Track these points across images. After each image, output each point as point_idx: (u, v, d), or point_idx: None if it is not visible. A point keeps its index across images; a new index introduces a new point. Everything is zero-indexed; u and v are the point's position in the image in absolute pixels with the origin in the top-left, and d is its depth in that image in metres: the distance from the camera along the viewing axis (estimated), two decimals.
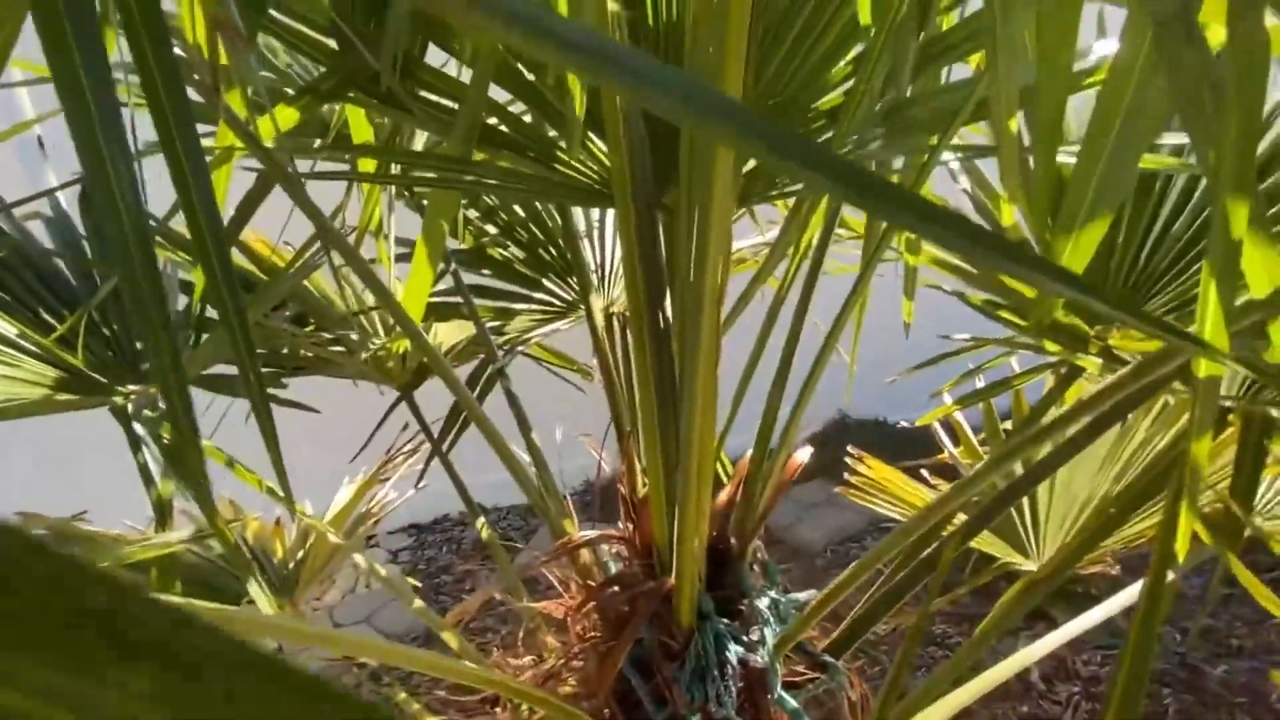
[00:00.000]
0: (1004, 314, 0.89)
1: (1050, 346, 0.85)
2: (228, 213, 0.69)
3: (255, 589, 0.88)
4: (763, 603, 0.75)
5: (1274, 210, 0.88)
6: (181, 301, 0.99)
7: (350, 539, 1.42)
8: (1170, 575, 0.61)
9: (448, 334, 1.46)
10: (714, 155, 0.40)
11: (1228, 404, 0.86)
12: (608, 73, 0.20)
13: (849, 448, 1.41)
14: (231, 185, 0.72)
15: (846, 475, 1.38)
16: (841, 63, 0.69)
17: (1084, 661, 2.30)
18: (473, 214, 1.26)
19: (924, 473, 1.40)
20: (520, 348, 1.22)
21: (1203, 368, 0.38)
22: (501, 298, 1.28)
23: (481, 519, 1.14)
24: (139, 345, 0.85)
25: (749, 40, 0.53)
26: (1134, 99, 0.38)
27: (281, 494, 0.94)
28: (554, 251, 1.24)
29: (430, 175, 0.63)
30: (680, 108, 0.20)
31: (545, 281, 1.25)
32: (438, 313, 1.22)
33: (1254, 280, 0.39)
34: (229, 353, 0.59)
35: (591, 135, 0.62)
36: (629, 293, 0.58)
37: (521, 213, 1.24)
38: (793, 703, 0.68)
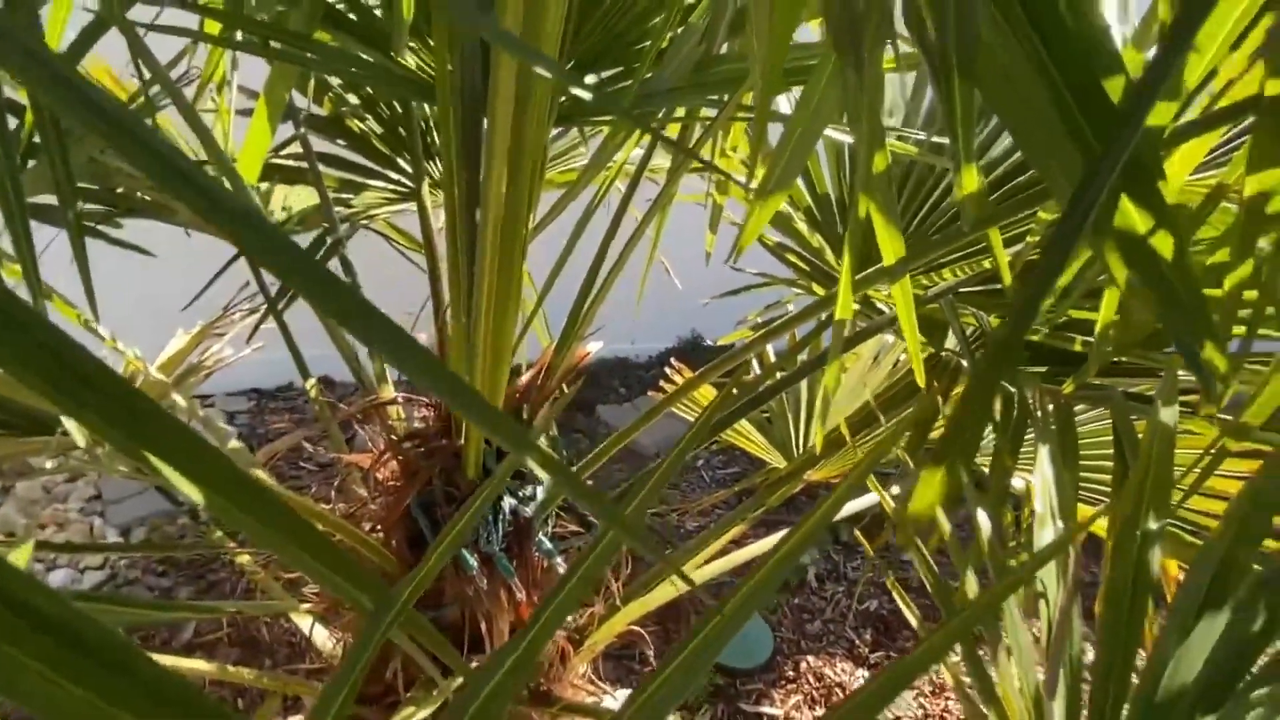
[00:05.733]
0: (790, 256, 1.05)
1: (817, 289, 1.01)
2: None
3: (69, 421, 0.92)
4: None
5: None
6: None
7: (178, 389, 1.44)
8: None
9: (300, 199, 1.46)
10: (500, 64, 0.49)
11: (952, 353, 1.06)
12: None
13: (672, 360, 1.57)
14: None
15: (662, 384, 1.55)
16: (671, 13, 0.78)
17: (854, 567, 2.68)
18: (336, 81, 1.25)
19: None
20: (364, 222, 1.26)
21: (838, 312, 0.53)
22: (354, 170, 1.30)
23: (312, 380, 1.20)
24: None
25: None
26: (820, 100, 0.50)
27: (102, 333, 0.97)
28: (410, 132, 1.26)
29: (275, 47, 0.67)
30: None
31: (400, 160, 1.28)
32: (284, 175, 1.23)
33: (884, 251, 0.54)
34: (49, 186, 0.62)
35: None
36: (444, 182, 0.67)
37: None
38: (548, 545, 0.82)
